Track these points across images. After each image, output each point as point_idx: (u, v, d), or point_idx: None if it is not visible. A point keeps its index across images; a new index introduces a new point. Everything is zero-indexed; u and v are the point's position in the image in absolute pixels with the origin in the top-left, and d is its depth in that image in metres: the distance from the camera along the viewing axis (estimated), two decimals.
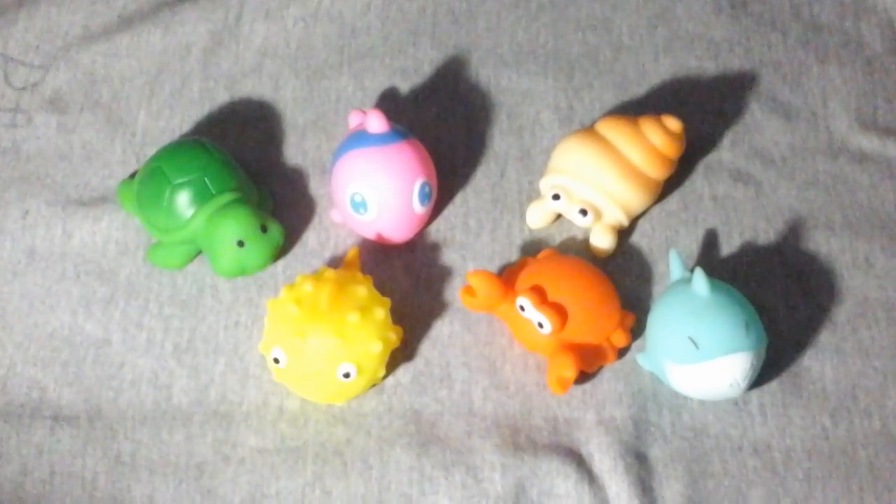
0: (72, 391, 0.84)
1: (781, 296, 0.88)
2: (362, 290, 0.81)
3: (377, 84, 0.99)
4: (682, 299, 0.80)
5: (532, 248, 0.91)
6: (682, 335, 0.79)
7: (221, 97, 0.99)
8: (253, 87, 0.99)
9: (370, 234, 0.90)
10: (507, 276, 0.86)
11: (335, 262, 0.90)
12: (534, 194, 0.93)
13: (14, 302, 0.88)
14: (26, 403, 0.84)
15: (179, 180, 0.87)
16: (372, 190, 0.87)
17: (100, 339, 0.86)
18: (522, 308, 0.83)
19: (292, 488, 0.80)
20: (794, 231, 0.91)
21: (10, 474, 0.81)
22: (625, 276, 0.89)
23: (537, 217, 0.91)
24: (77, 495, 0.80)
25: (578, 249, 0.91)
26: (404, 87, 1.00)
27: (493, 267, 0.90)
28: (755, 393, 0.84)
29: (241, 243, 0.86)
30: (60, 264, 0.90)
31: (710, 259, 0.90)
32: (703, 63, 1.01)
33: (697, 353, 0.78)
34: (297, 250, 0.91)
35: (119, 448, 0.82)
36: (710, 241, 0.91)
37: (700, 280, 0.79)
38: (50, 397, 0.84)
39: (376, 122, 0.87)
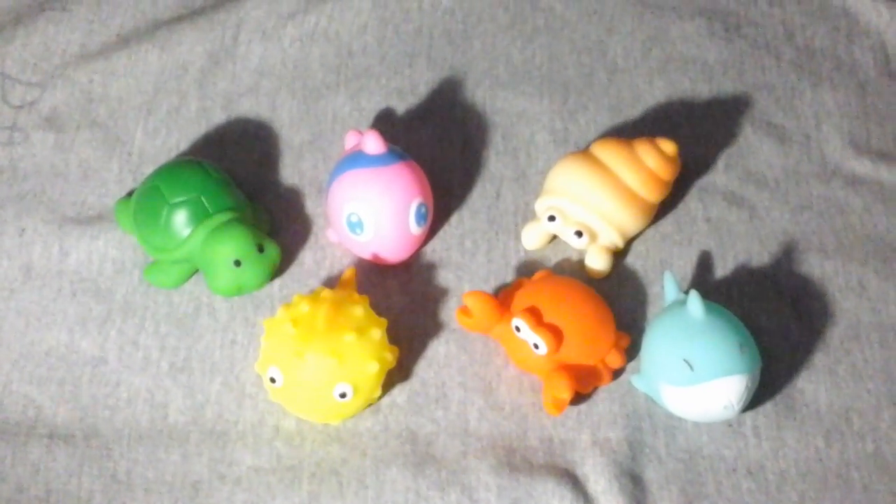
0: (68, 409, 0.84)
1: (775, 318, 0.88)
2: (359, 310, 0.81)
3: (373, 104, 1.00)
4: (677, 321, 0.81)
5: (527, 269, 0.91)
6: (677, 357, 0.79)
7: (218, 117, 0.99)
8: (250, 107, 1.00)
9: (366, 255, 0.90)
10: (503, 296, 0.87)
11: (331, 282, 0.90)
12: (529, 215, 0.93)
13: (10, 320, 0.88)
14: (22, 422, 0.83)
15: (176, 199, 0.87)
16: (368, 210, 0.87)
17: (96, 357, 0.86)
18: (518, 329, 0.83)
19: None
20: (787, 254, 0.92)
21: (6, 493, 0.80)
22: (620, 298, 0.89)
23: (533, 238, 0.92)
24: None
25: (573, 271, 0.91)
26: (400, 107, 1.00)
27: (489, 287, 0.90)
28: (749, 415, 0.84)
29: (237, 263, 0.86)
30: (57, 282, 0.90)
31: (704, 281, 0.90)
32: (696, 86, 1.01)
33: (692, 374, 0.78)
34: (293, 270, 0.91)
35: (115, 467, 0.82)
36: (705, 264, 0.91)
37: (695, 302, 0.80)
38: (46, 416, 0.84)
39: (374, 144, 0.88)
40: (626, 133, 0.98)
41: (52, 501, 0.80)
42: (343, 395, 0.79)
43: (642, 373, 0.83)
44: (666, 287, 0.86)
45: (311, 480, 0.81)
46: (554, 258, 0.92)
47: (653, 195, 0.90)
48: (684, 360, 0.79)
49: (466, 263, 0.91)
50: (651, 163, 0.89)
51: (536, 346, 0.82)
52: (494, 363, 0.86)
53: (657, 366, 0.81)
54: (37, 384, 0.85)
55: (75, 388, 0.85)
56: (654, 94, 1.01)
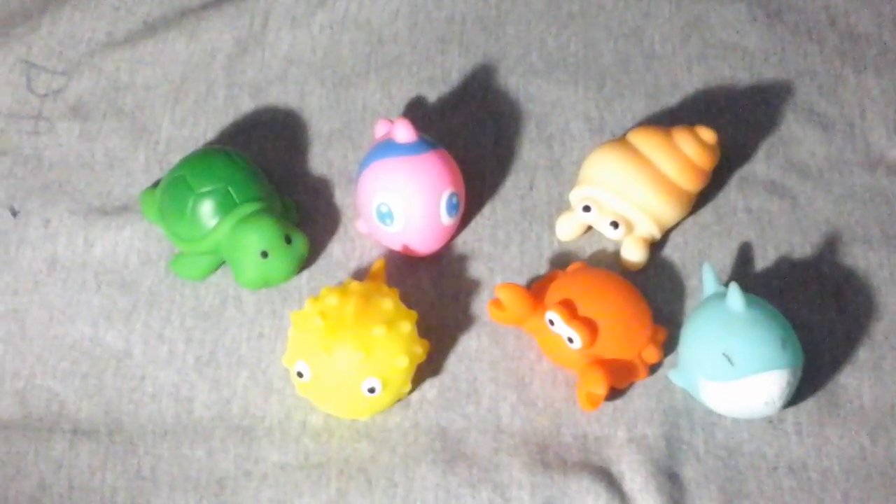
0: (92, 404, 0.83)
1: (818, 312, 0.86)
2: (388, 302, 0.79)
3: (404, 92, 0.98)
4: (717, 314, 0.78)
5: (561, 261, 0.89)
6: (717, 352, 0.77)
7: (246, 105, 0.98)
8: (278, 95, 0.98)
9: (396, 246, 0.88)
10: (536, 289, 0.85)
11: (360, 274, 0.88)
12: (563, 206, 0.91)
13: (34, 312, 0.87)
14: (45, 416, 0.82)
15: (203, 189, 0.85)
16: (399, 201, 0.85)
17: (121, 350, 0.85)
18: (552, 322, 0.81)
19: None
20: (830, 245, 0.89)
21: (28, 489, 0.79)
22: (657, 290, 0.87)
23: (567, 229, 0.90)
24: None
25: (609, 262, 0.89)
26: (432, 95, 0.98)
27: (522, 280, 0.88)
28: (791, 411, 0.82)
29: (265, 254, 0.84)
30: (81, 274, 0.88)
31: (744, 273, 0.88)
32: (737, 73, 0.99)
33: (732, 370, 0.76)
34: (321, 261, 0.89)
35: (139, 463, 0.80)
36: (745, 255, 0.89)
37: (735, 295, 0.77)
38: (69, 410, 0.82)
39: (404, 132, 0.86)
40: (663, 121, 0.96)
41: (75, 498, 0.79)
42: (372, 390, 0.78)
43: (680, 367, 0.81)
44: (704, 279, 0.84)
45: (339, 478, 0.79)
46: (589, 249, 0.90)
47: (691, 185, 0.88)
48: (724, 354, 0.76)
49: (499, 255, 0.89)
50: (690, 151, 0.87)
51: (571, 340, 0.80)
52: (527, 357, 0.84)
53: (696, 360, 0.78)
54: (60, 378, 0.84)
55: (99, 382, 0.84)
56: (693, 81, 0.99)
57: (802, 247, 0.89)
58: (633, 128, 0.91)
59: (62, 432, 0.81)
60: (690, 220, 0.91)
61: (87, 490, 0.79)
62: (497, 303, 0.83)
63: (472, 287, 0.88)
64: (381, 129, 0.90)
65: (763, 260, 0.89)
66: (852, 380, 0.83)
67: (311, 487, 0.79)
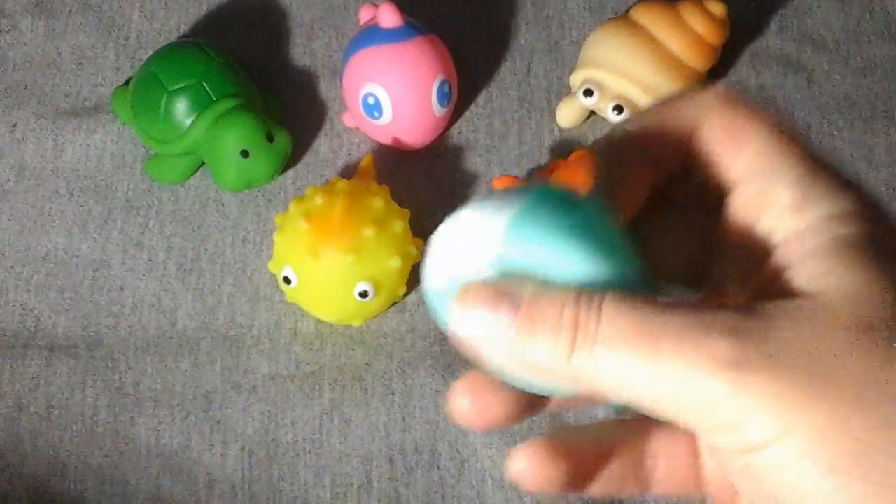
0: (69, 318, 0.79)
1: None
2: (378, 201, 0.75)
3: None
4: None
5: (563, 150, 0.84)
6: None
7: None
8: None
9: (386, 140, 0.84)
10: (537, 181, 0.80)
11: (348, 172, 0.84)
12: (564, 90, 0.87)
13: (3, 223, 0.82)
14: (20, 333, 0.78)
15: (176, 86, 0.80)
16: (386, 91, 0.81)
17: (97, 261, 0.81)
18: None
19: (309, 417, 0.75)
20: (850, 122, 0.85)
21: (4, 410, 0.75)
22: None
23: (568, 115, 0.85)
24: (77, 430, 0.75)
25: None
26: None
27: (521, 171, 0.84)
28: None
29: (245, 153, 0.79)
30: (52, 181, 0.84)
31: None
32: None
33: None
34: (307, 159, 0.85)
35: (121, 378, 0.76)
36: None
37: None
38: (45, 325, 0.78)
39: (389, 17, 0.81)
40: None
41: (54, 417, 0.75)
42: (364, 295, 0.73)
43: None
44: None
45: (332, 387, 0.76)
46: (592, 136, 0.85)
47: (700, 62, 0.83)
48: None
49: (496, 146, 0.85)
50: (698, 26, 0.82)
51: None
52: None
53: None
54: (34, 292, 0.79)
55: (76, 294, 0.79)
56: None
57: (820, 124, 0.85)
58: (635, 3, 0.86)
59: (38, 349, 0.77)
60: None
61: (67, 409, 0.75)
62: None
63: (468, 181, 0.84)
64: (365, 15, 0.85)
65: None
66: None
67: (303, 399, 0.75)
